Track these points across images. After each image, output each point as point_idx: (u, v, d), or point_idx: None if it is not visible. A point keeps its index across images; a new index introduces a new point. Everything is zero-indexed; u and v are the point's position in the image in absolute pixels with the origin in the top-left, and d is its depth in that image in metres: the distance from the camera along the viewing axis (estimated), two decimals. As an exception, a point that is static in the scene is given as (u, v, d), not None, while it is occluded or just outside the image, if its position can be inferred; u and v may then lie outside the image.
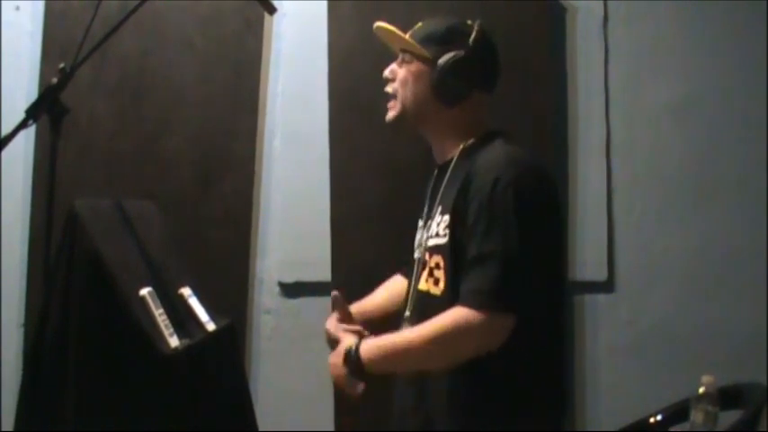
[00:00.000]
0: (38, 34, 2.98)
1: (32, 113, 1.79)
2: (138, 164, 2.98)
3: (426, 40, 1.91)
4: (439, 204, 1.90)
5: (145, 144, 2.99)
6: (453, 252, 1.81)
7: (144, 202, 2.22)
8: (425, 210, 2.00)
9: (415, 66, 1.92)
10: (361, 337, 1.88)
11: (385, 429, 2.05)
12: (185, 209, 2.97)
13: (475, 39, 1.89)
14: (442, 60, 1.87)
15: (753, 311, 3.06)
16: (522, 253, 1.73)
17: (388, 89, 1.97)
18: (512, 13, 3.03)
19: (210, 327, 2.01)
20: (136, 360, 1.77)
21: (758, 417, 2.05)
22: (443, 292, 1.84)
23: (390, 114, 1.96)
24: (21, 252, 2.95)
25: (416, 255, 1.97)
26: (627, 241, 3.12)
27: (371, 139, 2.95)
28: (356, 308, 2.16)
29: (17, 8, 3.03)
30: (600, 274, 3.10)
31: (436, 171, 2.00)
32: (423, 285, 1.91)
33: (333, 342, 1.96)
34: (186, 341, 1.88)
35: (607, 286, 3.12)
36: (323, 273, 3.02)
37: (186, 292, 2.04)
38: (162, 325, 1.84)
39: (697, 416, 1.97)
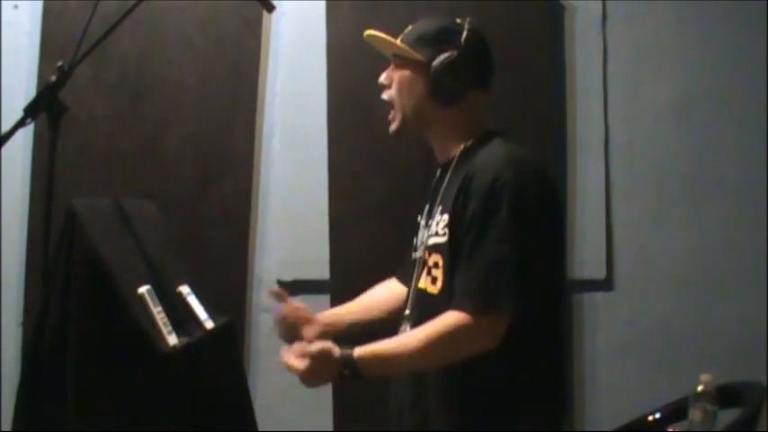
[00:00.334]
0: (36, 33, 2.98)
1: (31, 112, 1.79)
2: (137, 163, 2.98)
3: (418, 42, 1.91)
4: (439, 204, 1.90)
5: (144, 143, 2.99)
6: (452, 251, 1.81)
7: (143, 201, 2.23)
8: (426, 209, 2.00)
9: (410, 69, 1.92)
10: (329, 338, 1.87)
11: (384, 429, 2.05)
12: (184, 208, 2.97)
13: (467, 38, 1.88)
14: (436, 62, 1.86)
15: (752, 310, 3.06)
16: (517, 254, 1.73)
17: (385, 96, 1.97)
18: (511, 12, 3.03)
19: (209, 325, 2.01)
20: (134, 358, 1.77)
21: (757, 415, 2.05)
22: (441, 291, 1.84)
23: (393, 126, 1.96)
24: (19, 251, 2.95)
25: (417, 254, 1.97)
26: (625, 240, 3.12)
27: (370, 137, 2.95)
28: (331, 315, 2.18)
29: (15, 7, 3.03)
30: (598, 273, 3.10)
31: (439, 171, 2.00)
32: (422, 284, 1.91)
33: (290, 330, 2.02)
34: (185, 339, 1.88)
35: (606, 285, 3.12)
36: (321, 271, 3.02)
37: (185, 290, 2.04)
38: (161, 323, 1.84)
39: (696, 414, 1.97)
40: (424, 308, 1.87)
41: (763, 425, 2.10)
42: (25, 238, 2.94)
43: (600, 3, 3.12)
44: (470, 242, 1.76)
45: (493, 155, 1.83)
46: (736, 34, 3.13)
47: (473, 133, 1.91)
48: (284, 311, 2.12)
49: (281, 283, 3.05)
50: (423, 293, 1.89)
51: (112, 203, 2.01)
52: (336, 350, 1.76)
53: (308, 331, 2.09)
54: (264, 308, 3.06)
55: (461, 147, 1.91)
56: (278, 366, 3.03)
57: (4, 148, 1.78)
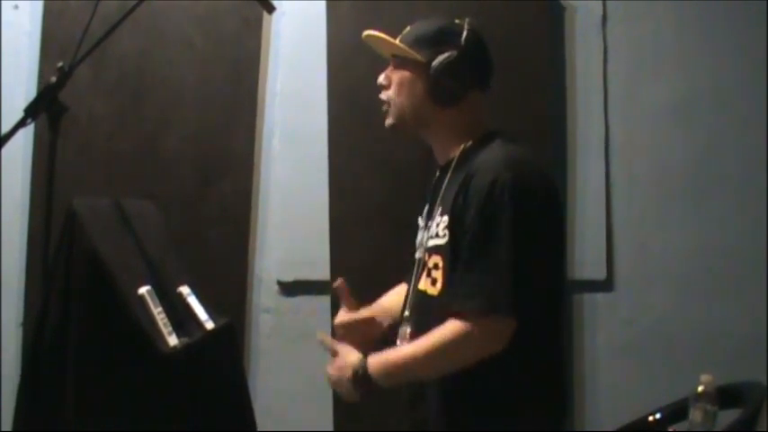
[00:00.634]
0: (36, 33, 2.98)
1: (31, 112, 1.79)
2: (137, 163, 2.98)
3: (417, 43, 1.90)
4: (439, 205, 1.89)
5: (144, 143, 2.99)
6: (452, 253, 1.81)
7: (143, 202, 2.23)
8: (426, 210, 1.99)
9: (409, 70, 1.91)
10: (364, 353, 1.85)
11: (385, 429, 2.05)
12: (184, 208, 2.97)
13: (466, 38, 1.88)
14: (435, 62, 1.86)
15: (752, 311, 3.06)
16: (518, 255, 1.72)
17: (383, 96, 1.97)
18: (511, 12, 3.03)
19: (209, 326, 2.01)
20: (135, 359, 1.78)
21: (757, 416, 2.05)
22: (440, 292, 1.83)
23: (388, 121, 1.96)
24: (19, 251, 2.95)
25: (417, 255, 1.97)
26: (626, 240, 3.12)
27: (370, 138, 2.95)
28: (378, 306, 2.16)
29: (16, 7, 3.03)
30: (599, 273, 3.10)
31: (438, 172, 2.00)
32: (422, 285, 1.90)
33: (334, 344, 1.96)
34: (185, 340, 1.89)
35: (606, 285, 3.12)
36: (322, 271, 3.02)
37: (185, 290, 2.04)
38: (161, 324, 1.84)
39: (696, 415, 1.97)
40: (424, 309, 1.86)
41: (763, 425, 2.09)
42: (25, 238, 2.94)
43: (600, 3, 3.12)
44: (470, 243, 1.75)
45: (493, 156, 1.82)
46: (736, 34, 3.13)
47: (473, 134, 1.91)
48: (344, 321, 2.07)
49: (281, 284, 3.06)
50: (422, 295, 1.89)
51: (112, 203, 2.01)
52: (353, 362, 1.80)
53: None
54: (264, 308, 3.07)
55: (461, 147, 1.91)
56: (278, 366, 3.06)
57: (4, 149, 1.78)
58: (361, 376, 1.78)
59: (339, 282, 2.09)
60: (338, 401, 2.98)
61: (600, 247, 3.10)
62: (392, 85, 1.94)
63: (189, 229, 2.94)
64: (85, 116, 2.94)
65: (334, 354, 1.89)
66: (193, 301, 2.03)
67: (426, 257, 1.88)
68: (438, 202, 1.90)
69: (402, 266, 2.14)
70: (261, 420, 2.20)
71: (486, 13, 2.92)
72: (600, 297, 3.12)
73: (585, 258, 3.10)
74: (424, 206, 2.02)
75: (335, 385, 1.85)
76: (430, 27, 1.92)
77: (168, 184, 2.97)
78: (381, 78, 1.97)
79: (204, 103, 3.02)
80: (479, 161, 1.82)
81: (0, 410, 2.81)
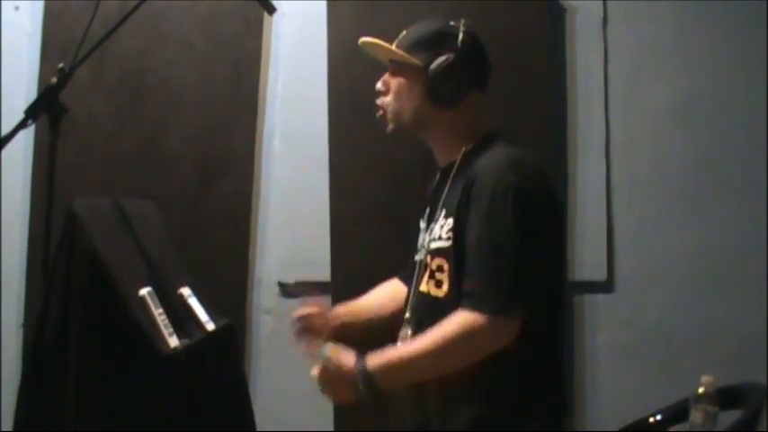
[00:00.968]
0: (37, 34, 2.98)
1: (32, 113, 1.79)
2: (138, 163, 2.98)
3: (414, 47, 1.91)
4: (442, 208, 1.89)
5: (144, 144, 2.99)
6: (457, 255, 1.81)
7: (143, 202, 2.23)
8: (428, 212, 1.99)
9: (407, 74, 1.91)
10: (356, 352, 1.82)
11: (385, 429, 2.05)
12: (185, 209, 2.97)
13: (463, 40, 1.88)
14: (433, 65, 1.86)
15: (752, 311, 3.06)
16: (523, 255, 1.73)
17: (379, 102, 1.97)
18: (511, 13, 3.03)
19: (210, 327, 2.01)
20: (135, 360, 1.78)
21: (757, 417, 2.04)
22: (447, 294, 1.83)
23: (389, 127, 1.96)
24: (20, 252, 2.95)
25: (418, 257, 1.97)
26: (626, 241, 3.12)
27: (371, 138, 2.94)
28: (347, 308, 2.16)
29: (16, 8, 3.03)
30: (599, 274, 3.10)
31: (439, 174, 2.00)
32: (424, 287, 1.90)
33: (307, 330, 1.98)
34: (186, 341, 1.89)
35: (606, 286, 3.12)
36: (322, 272, 3.01)
37: (186, 291, 2.04)
38: (161, 325, 1.84)
39: (696, 416, 1.97)
40: (428, 311, 1.86)
41: (764, 426, 2.09)
42: (26, 239, 2.94)
43: (600, 3, 3.12)
44: (476, 244, 1.75)
45: (495, 158, 1.83)
46: (736, 35, 3.13)
47: (473, 135, 1.91)
48: (302, 313, 2.08)
49: (281, 285, 3.06)
50: (425, 297, 1.89)
51: (113, 204, 2.02)
52: (350, 362, 1.77)
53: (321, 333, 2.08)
54: (265, 309, 3.07)
55: (462, 150, 1.91)
56: (278, 367, 3.06)
57: (4, 150, 1.78)
58: (362, 377, 1.75)
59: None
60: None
61: (600, 248, 3.10)
62: (390, 91, 1.94)
63: (189, 230, 2.94)
64: (86, 117, 2.94)
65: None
66: (194, 303, 2.03)
67: (429, 260, 1.89)
68: (440, 204, 1.90)
69: (403, 267, 2.15)
70: (261, 421, 2.20)
71: (487, 14, 2.93)
72: (600, 298, 3.12)
73: (586, 259, 3.09)
74: (425, 208, 2.02)
75: (326, 386, 1.82)
76: (426, 30, 1.92)
77: (169, 184, 2.97)
78: (380, 84, 1.97)
79: (204, 104, 3.02)
80: (482, 164, 1.82)
81: (0, 411, 2.81)
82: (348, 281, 2.94)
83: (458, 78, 1.87)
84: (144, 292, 1.84)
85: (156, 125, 3.00)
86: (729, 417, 2.05)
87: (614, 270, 3.12)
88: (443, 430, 1.85)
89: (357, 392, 1.77)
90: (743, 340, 3.04)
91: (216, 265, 2.95)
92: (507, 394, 1.82)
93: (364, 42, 1.95)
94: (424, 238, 1.95)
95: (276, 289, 3.07)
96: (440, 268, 1.85)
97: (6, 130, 1.77)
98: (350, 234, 3.01)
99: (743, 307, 3.07)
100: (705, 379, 1.98)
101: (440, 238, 1.85)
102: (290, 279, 3.04)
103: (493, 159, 1.82)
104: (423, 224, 2.01)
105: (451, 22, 1.92)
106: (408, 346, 1.81)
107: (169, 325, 1.85)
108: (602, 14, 3.12)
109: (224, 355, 2.10)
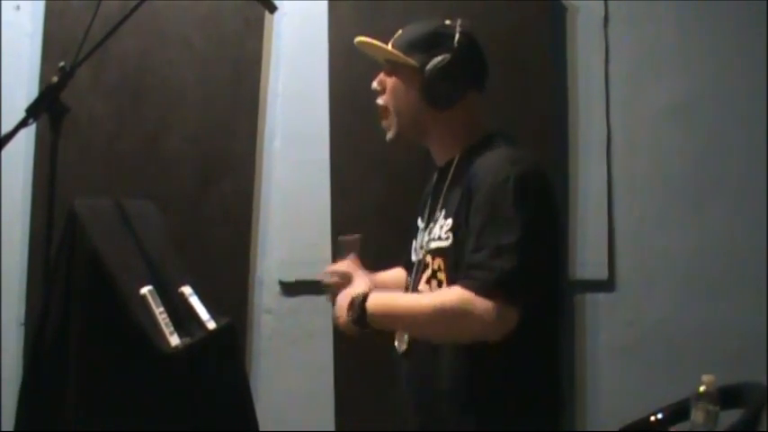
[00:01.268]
0: (38, 34, 2.98)
1: (33, 112, 1.78)
2: (138, 163, 2.98)
3: (410, 47, 1.89)
4: (441, 207, 1.89)
5: (145, 144, 2.99)
6: (454, 255, 1.81)
7: (143, 202, 2.22)
8: (426, 212, 1.99)
9: (403, 75, 1.91)
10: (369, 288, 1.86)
11: (385, 429, 2.05)
12: (185, 208, 2.97)
13: (458, 40, 1.87)
14: (429, 66, 1.85)
15: (753, 311, 3.06)
16: (522, 244, 1.72)
17: (380, 101, 1.97)
18: (512, 12, 3.03)
19: (211, 326, 2.01)
20: (136, 359, 1.77)
21: (758, 416, 2.04)
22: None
23: (390, 135, 1.96)
24: (21, 251, 2.95)
25: (417, 256, 1.96)
26: (627, 241, 3.12)
27: (372, 138, 2.92)
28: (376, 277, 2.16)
29: (17, 8, 3.03)
30: (600, 274, 3.10)
31: (437, 174, 1.99)
32: (422, 287, 1.90)
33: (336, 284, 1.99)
34: (187, 340, 1.88)
35: (607, 286, 3.12)
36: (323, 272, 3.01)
37: (187, 290, 2.04)
38: (162, 324, 1.84)
39: (698, 415, 1.97)
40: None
41: (765, 425, 2.09)
42: (27, 239, 2.94)
43: (602, 3, 3.12)
44: (478, 236, 1.74)
45: (495, 157, 1.82)
46: (737, 35, 3.13)
47: (472, 135, 1.91)
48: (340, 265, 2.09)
49: (282, 285, 3.06)
50: (423, 297, 1.89)
51: (113, 204, 2.01)
52: (356, 289, 1.85)
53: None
54: (266, 309, 3.07)
55: (461, 150, 1.90)
56: (279, 367, 3.06)
57: (5, 149, 1.78)
58: (357, 305, 1.80)
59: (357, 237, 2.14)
60: (340, 402, 2.98)
61: (601, 248, 3.10)
62: (387, 91, 1.94)
63: (190, 230, 2.94)
64: (86, 117, 2.94)
65: (346, 278, 1.94)
66: (195, 302, 2.03)
67: (429, 259, 1.88)
68: (440, 204, 1.90)
69: (403, 267, 2.15)
70: (261, 421, 2.20)
71: (488, 13, 2.93)
72: (601, 297, 3.12)
73: (587, 259, 3.10)
74: (423, 208, 2.01)
75: (337, 312, 1.87)
76: (422, 30, 1.91)
77: (169, 184, 2.97)
78: (375, 83, 1.97)
79: (205, 104, 3.03)
80: (481, 162, 1.82)
81: (0, 410, 2.81)
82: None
83: (454, 79, 1.86)
84: (145, 290, 1.84)
85: (156, 125, 3.00)
86: (730, 416, 2.05)
87: (615, 269, 3.12)
88: (442, 429, 1.85)
89: (350, 320, 1.82)
90: (743, 339, 3.04)
91: (217, 265, 2.95)
92: (505, 393, 1.81)
93: (360, 42, 1.95)
94: (422, 238, 1.95)
95: (277, 289, 3.07)
96: (439, 268, 1.85)
97: (7, 129, 1.77)
98: (350, 233, 3.01)
99: (743, 306, 3.07)
100: (706, 378, 1.97)
101: (439, 238, 1.85)
102: (291, 278, 3.04)
103: (493, 157, 1.82)
104: (421, 224, 2.01)
105: (447, 21, 1.91)
106: (407, 298, 1.88)
107: (170, 324, 1.84)
108: (603, 14, 3.12)
109: (225, 355, 2.10)
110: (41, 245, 1.81)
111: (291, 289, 3.06)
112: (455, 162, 1.90)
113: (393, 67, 1.93)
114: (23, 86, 2.98)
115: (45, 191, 1.81)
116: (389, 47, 1.93)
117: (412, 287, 1.95)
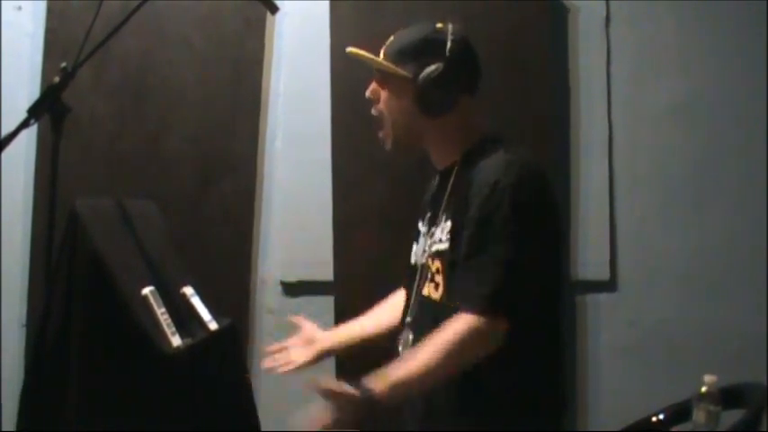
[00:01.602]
0: (39, 34, 2.98)
1: (34, 113, 1.78)
2: (139, 164, 2.98)
3: (401, 56, 1.87)
4: (444, 212, 1.89)
5: (145, 144, 2.99)
6: (452, 257, 1.81)
7: (145, 202, 2.22)
8: (429, 216, 1.98)
9: (396, 84, 1.89)
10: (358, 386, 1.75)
11: (385, 430, 2.05)
12: (186, 209, 2.97)
13: (451, 48, 1.85)
14: (422, 76, 1.83)
15: (754, 311, 3.06)
16: (519, 256, 1.73)
17: (374, 111, 1.96)
18: (513, 12, 3.03)
19: (213, 326, 2.01)
20: (138, 360, 1.77)
21: (760, 416, 2.04)
22: (442, 296, 1.83)
23: (387, 145, 1.96)
24: (22, 252, 2.95)
25: (421, 261, 1.96)
26: (629, 241, 3.12)
27: (373, 138, 2.92)
28: (341, 335, 2.21)
29: (18, 8, 3.03)
30: (602, 274, 3.10)
31: (438, 177, 1.99)
32: (426, 291, 1.90)
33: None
34: (188, 340, 1.88)
35: (609, 286, 3.12)
36: (325, 272, 3.01)
37: (188, 291, 2.04)
38: (164, 324, 1.84)
39: (699, 415, 1.97)
40: (428, 315, 1.86)
41: (766, 426, 2.09)
42: (28, 239, 2.94)
43: (603, 3, 3.12)
44: (472, 243, 1.75)
45: (494, 161, 1.82)
46: (737, 35, 3.13)
47: (469, 138, 1.90)
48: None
49: (284, 285, 3.05)
50: (427, 300, 1.89)
51: (114, 204, 2.01)
52: (354, 394, 1.72)
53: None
54: (267, 309, 3.07)
55: (461, 153, 1.90)
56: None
57: (7, 150, 1.78)
58: (369, 404, 1.70)
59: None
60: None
61: (603, 248, 3.10)
62: (381, 101, 1.93)
63: (191, 230, 2.94)
64: (87, 117, 2.94)
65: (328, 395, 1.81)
66: (197, 302, 2.03)
67: (430, 263, 1.88)
68: (442, 208, 1.89)
69: (405, 267, 2.14)
70: (262, 421, 2.20)
71: (489, 14, 2.92)
72: (603, 298, 3.12)
73: (588, 259, 3.09)
74: (425, 212, 2.01)
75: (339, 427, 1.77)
76: (413, 38, 1.88)
77: (170, 184, 2.97)
78: (368, 92, 1.95)
79: (206, 104, 3.03)
80: (481, 167, 1.82)
81: (1, 410, 2.81)
82: (350, 281, 2.95)
83: (447, 87, 1.85)
84: (146, 291, 1.84)
85: (157, 125, 3.00)
86: (731, 416, 2.04)
87: (617, 270, 3.12)
88: (443, 430, 1.85)
89: (367, 418, 1.73)
90: (744, 340, 3.04)
91: (218, 266, 2.95)
92: (505, 394, 1.81)
93: (351, 53, 1.93)
94: (425, 242, 1.95)
95: (279, 289, 3.07)
96: (438, 270, 1.85)
97: (8, 129, 1.77)
98: (352, 234, 3.01)
99: (745, 307, 3.07)
100: (708, 378, 1.97)
101: (440, 240, 1.85)
102: (293, 279, 3.04)
103: (493, 161, 1.81)
104: (423, 228, 2.00)
105: (439, 25, 1.89)
106: (409, 363, 1.74)
107: (172, 324, 1.84)
108: (604, 14, 3.12)
109: (227, 355, 2.10)
110: (43, 245, 1.81)
111: (293, 289, 3.06)
112: (456, 167, 1.90)
113: (385, 77, 1.91)
114: (25, 87, 2.98)
115: (46, 191, 1.81)
116: (381, 54, 1.91)
117: (415, 291, 1.94)
